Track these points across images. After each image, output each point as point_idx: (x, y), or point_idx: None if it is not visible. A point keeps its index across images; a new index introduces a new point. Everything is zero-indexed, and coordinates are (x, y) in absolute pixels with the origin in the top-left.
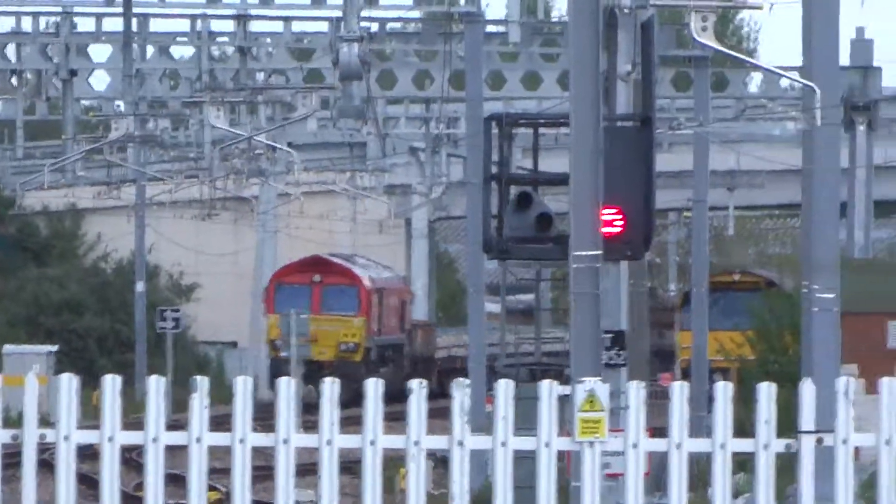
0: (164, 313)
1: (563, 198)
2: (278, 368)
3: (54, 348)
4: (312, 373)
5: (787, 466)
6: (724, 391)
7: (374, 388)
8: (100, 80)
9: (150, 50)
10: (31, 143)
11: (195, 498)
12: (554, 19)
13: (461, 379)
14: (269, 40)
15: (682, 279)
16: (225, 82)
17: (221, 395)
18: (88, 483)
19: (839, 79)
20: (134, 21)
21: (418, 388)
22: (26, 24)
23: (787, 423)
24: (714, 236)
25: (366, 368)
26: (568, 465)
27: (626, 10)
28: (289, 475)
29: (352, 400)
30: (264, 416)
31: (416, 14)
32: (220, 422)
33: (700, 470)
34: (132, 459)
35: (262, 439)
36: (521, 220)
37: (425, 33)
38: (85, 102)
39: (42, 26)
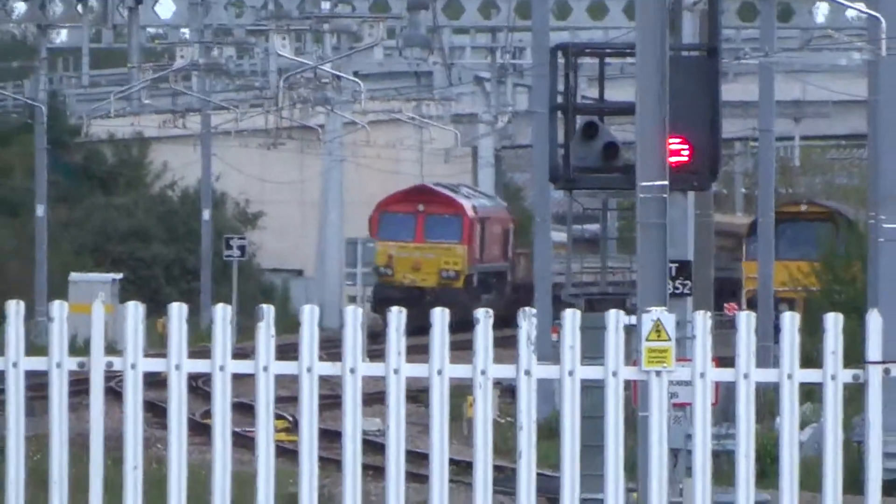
0: (230, 241)
1: (629, 128)
2: (383, 294)
3: (119, 276)
4: (414, 299)
5: (854, 397)
6: (791, 321)
7: (440, 317)
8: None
9: None
10: (96, 71)
11: (263, 426)
12: None
13: (527, 308)
14: None
15: (749, 209)
16: (290, 11)
17: (287, 324)
18: (155, 410)
19: None
20: None
21: (484, 318)
22: None
23: (854, 354)
24: (780, 166)
25: (468, 295)
26: (634, 394)
27: None
28: (356, 404)
29: (453, 326)
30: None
31: None
32: (286, 350)
33: (767, 400)
34: (199, 387)
35: (329, 368)
36: (587, 149)
37: None
38: (150, 30)
39: None
